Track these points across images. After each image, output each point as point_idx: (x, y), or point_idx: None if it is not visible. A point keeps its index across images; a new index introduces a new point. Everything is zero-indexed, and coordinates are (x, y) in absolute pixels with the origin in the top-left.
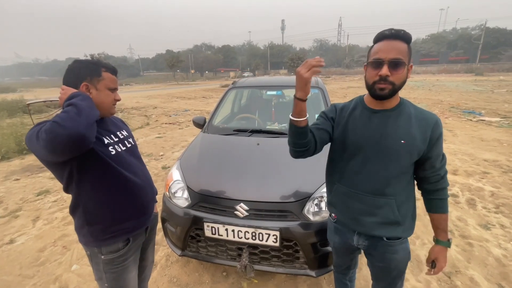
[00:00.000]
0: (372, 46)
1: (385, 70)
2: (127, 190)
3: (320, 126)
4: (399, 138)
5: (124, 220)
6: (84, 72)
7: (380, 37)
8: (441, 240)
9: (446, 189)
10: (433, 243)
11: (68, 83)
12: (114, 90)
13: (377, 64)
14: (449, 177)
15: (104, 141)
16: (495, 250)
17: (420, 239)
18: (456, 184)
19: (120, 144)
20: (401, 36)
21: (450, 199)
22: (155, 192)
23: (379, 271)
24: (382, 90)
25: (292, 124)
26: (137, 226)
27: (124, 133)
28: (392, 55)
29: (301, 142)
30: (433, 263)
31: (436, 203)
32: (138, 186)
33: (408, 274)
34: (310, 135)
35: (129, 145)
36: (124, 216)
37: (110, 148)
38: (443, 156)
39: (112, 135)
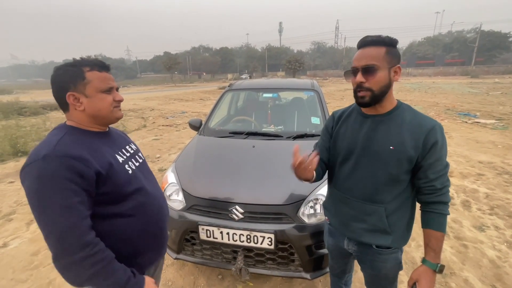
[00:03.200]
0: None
1: (358, 77)
2: (147, 215)
3: (322, 146)
4: (388, 144)
5: (146, 250)
6: (65, 80)
7: (358, 45)
8: (428, 260)
9: (444, 204)
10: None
11: (57, 98)
12: (109, 90)
13: (354, 72)
14: None
15: (119, 159)
16: (490, 251)
17: (416, 241)
18: (451, 186)
19: (133, 160)
20: (376, 41)
21: None
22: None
23: (369, 277)
24: (362, 98)
25: None
26: (158, 255)
27: (133, 146)
28: (363, 62)
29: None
30: (413, 286)
31: (428, 217)
32: (157, 207)
33: (403, 276)
34: (318, 170)
35: (140, 160)
36: (146, 245)
37: (126, 166)
38: (445, 167)
39: (123, 150)
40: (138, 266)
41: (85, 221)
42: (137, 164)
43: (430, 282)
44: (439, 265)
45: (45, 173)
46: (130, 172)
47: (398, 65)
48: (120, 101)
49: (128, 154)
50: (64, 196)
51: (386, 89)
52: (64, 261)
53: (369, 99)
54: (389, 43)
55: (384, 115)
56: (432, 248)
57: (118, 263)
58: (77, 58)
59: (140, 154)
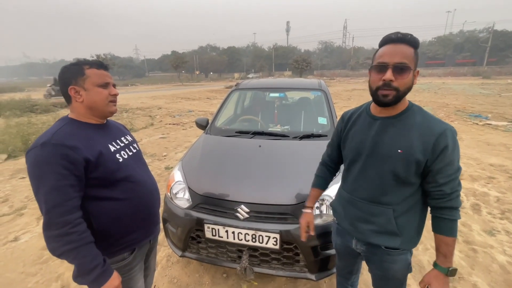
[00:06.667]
0: (377, 50)
1: (389, 75)
2: (136, 199)
3: (332, 145)
4: (396, 147)
5: (134, 230)
6: (68, 76)
7: (386, 41)
8: (438, 264)
9: (454, 210)
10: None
11: (63, 92)
12: (105, 85)
13: (381, 68)
14: None
15: (110, 149)
16: (500, 256)
17: (423, 244)
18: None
19: (126, 150)
20: (408, 40)
21: None
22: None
23: (377, 279)
24: (385, 97)
25: None
26: (145, 235)
27: (129, 138)
28: (397, 59)
29: None
30: None
31: (438, 223)
32: (147, 193)
33: (409, 280)
34: (328, 175)
35: (134, 151)
36: (134, 226)
37: (117, 155)
38: (456, 171)
39: (117, 141)
40: (126, 244)
41: (70, 201)
42: (130, 153)
43: (442, 285)
44: (450, 268)
45: (40, 158)
46: (120, 160)
47: (418, 69)
48: (116, 95)
49: (122, 145)
50: (54, 179)
51: (408, 91)
52: (46, 233)
53: (393, 98)
54: (417, 45)
55: (394, 117)
56: (442, 252)
57: (93, 249)
58: (86, 57)
59: (135, 145)
